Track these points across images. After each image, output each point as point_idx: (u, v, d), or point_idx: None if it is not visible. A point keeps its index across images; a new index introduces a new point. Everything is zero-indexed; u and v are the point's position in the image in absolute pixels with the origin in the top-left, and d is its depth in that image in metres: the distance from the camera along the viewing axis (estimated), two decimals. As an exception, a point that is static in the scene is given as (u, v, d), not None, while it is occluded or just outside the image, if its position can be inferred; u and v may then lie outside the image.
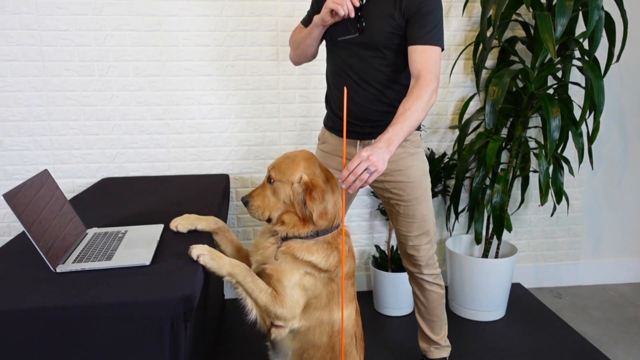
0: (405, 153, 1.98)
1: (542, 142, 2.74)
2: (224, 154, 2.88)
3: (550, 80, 2.90)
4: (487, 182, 2.75)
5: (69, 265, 1.42)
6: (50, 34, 2.64)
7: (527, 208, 3.18)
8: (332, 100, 2.05)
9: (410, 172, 1.99)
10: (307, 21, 2.09)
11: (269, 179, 1.64)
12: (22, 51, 2.64)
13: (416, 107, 1.69)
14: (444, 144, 3.06)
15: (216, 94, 2.80)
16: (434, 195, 2.86)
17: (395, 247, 2.92)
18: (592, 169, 2.97)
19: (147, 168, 2.83)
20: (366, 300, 3.00)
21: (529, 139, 2.84)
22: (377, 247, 3.01)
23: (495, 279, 2.77)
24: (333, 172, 1.76)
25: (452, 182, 2.98)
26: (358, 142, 1.99)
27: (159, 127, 2.80)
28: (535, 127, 2.97)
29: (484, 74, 2.94)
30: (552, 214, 2.86)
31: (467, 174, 2.91)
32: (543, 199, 2.59)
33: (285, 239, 1.63)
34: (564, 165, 2.71)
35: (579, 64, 2.65)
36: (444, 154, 2.96)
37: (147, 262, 1.45)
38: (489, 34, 2.65)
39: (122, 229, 1.74)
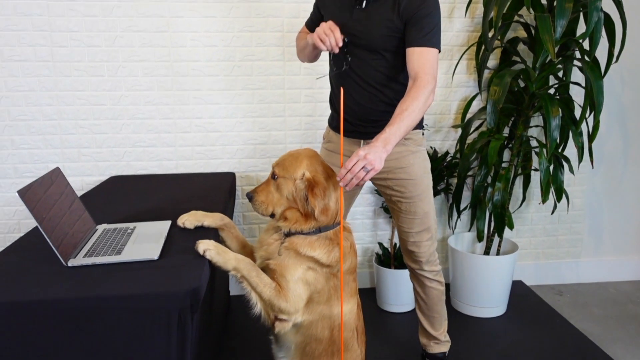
0: (407, 151, 2.02)
1: (543, 141, 2.78)
2: (231, 153, 2.93)
3: (552, 80, 2.93)
4: (489, 180, 2.80)
5: (80, 260, 1.48)
6: (61, 35, 2.70)
7: (528, 206, 3.22)
8: (335, 101, 2.11)
9: (412, 169, 2.04)
10: (310, 23, 2.15)
11: (273, 175, 1.70)
12: (34, 52, 2.70)
13: (413, 108, 1.73)
14: (447, 142, 3.10)
15: (223, 93, 2.86)
16: (437, 193, 2.90)
17: (398, 245, 2.96)
18: (592, 167, 3.01)
19: (155, 166, 2.89)
20: (369, 296, 3.06)
21: (531, 138, 2.87)
22: (380, 244, 3.05)
23: (497, 276, 2.81)
24: (336, 170, 1.81)
25: (454, 181, 3.03)
26: (362, 141, 2.04)
27: (167, 126, 2.86)
28: (537, 126, 3.01)
29: (486, 74, 2.98)
30: (552, 212, 2.90)
31: (469, 173, 2.95)
32: (544, 197, 2.63)
33: (288, 235, 1.68)
34: (564, 163, 2.75)
35: (580, 64, 2.68)
36: (447, 153, 3.01)
37: (155, 257, 1.51)
38: (490, 35, 2.69)
39: (130, 225, 1.80)
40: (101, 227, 1.77)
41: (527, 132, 2.82)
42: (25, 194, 1.41)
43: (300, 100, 2.91)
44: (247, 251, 1.83)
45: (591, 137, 2.72)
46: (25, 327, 1.28)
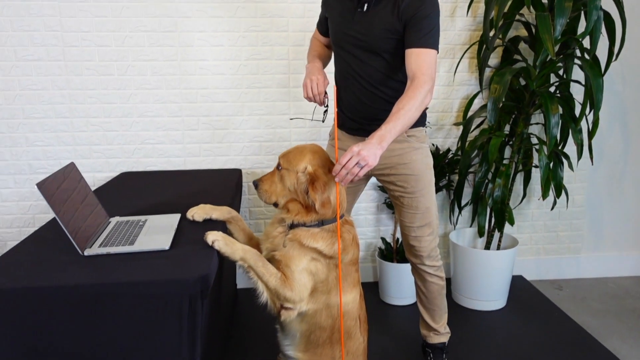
0: (409, 147, 2.08)
1: (544, 138, 2.83)
2: (237, 150, 3.01)
3: (553, 78, 2.99)
4: (490, 176, 2.86)
5: (95, 249, 1.55)
6: (72, 35, 2.78)
7: (529, 202, 3.27)
8: (340, 100, 2.17)
9: (414, 165, 2.09)
10: (319, 24, 2.24)
11: (278, 166, 1.78)
12: (46, 51, 2.78)
13: (409, 107, 1.78)
14: (449, 140, 3.16)
15: (229, 92, 2.93)
16: (439, 189, 2.97)
17: (400, 240, 3.03)
18: (592, 164, 3.06)
19: (164, 163, 2.97)
20: (372, 290, 3.12)
21: (531, 135, 2.93)
22: (383, 239, 3.12)
23: (497, 270, 2.87)
24: None
25: (456, 177, 3.08)
26: (366, 139, 2.10)
27: (175, 123, 2.93)
28: (537, 123, 3.06)
29: (488, 72, 3.04)
30: (552, 208, 2.96)
31: (471, 169, 3.01)
32: (544, 193, 2.69)
33: (292, 227, 1.75)
34: (564, 160, 2.80)
35: (580, 62, 2.74)
36: (448, 150, 3.06)
37: (167, 247, 1.58)
38: (491, 34, 2.75)
39: (142, 217, 1.87)
40: (114, 220, 1.85)
41: (527, 129, 2.87)
42: (42, 186, 1.49)
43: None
44: (254, 243, 1.90)
45: (591, 134, 2.77)
46: (45, 311, 1.35)
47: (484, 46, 2.88)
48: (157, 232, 1.70)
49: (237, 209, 2.59)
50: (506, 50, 3.01)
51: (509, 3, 2.77)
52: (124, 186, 2.53)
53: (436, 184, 2.80)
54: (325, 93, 2.02)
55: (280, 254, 1.73)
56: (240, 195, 2.81)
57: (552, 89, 2.91)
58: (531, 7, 2.68)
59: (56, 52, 2.78)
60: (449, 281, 3.05)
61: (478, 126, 3.08)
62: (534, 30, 2.81)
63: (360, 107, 2.07)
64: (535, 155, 3.03)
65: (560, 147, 2.89)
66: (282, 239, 1.76)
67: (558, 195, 2.79)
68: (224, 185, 2.52)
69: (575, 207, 3.31)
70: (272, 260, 1.74)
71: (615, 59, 2.75)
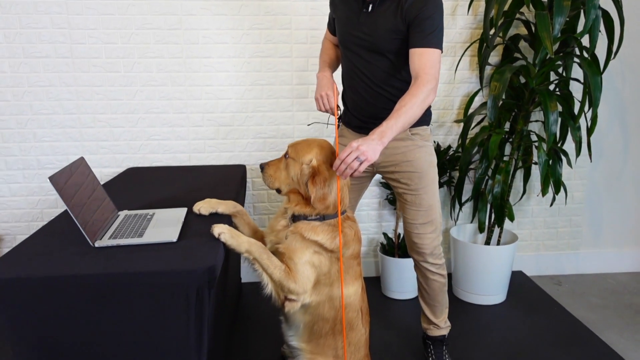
0: (413, 145, 2.12)
1: (543, 136, 2.87)
2: (241, 146, 3.05)
3: (553, 76, 3.03)
4: (490, 173, 2.90)
5: (105, 241, 1.60)
6: (79, 32, 2.82)
7: (529, 199, 3.31)
8: (346, 99, 2.22)
9: (418, 163, 2.13)
10: (329, 25, 2.29)
11: (286, 155, 1.83)
12: (54, 48, 2.83)
13: (411, 104, 1.81)
14: (450, 137, 3.20)
15: (233, 89, 2.98)
16: (440, 186, 2.99)
17: (401, 235, 3.08)
18: (591, 161, 3.10)
19: (169, 159, 3.02)
20: (374, 284, 3.17)
21: (531, 133, 2.97)
22: (385, 234, 3.17)
23: (497, 265, 2.92)
24: None
25: (456, 174, 3.13)
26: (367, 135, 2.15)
27: (180, 120, 2.98)
28: (537, 121, 3.10)
29: (488, 70, 3.08)
30: (551, 204, 3.00)
31: (471, 166, 3.06)
32: (543, 190, 2.74)
33: (295, 220, 1.80)
34: (563, 157, 2.84)
35: (579, 60, 2.78)
36: (449, 147, 3.11)
37: (174, 239, 1.63)
38: (491, 32, 2.79)
39: (149, 211, 1.92)
40: (123, 213, 1.90)
41: (527, 126, 2.91)
42: (54, 180, 1.53)
43: (308, 95, 3.03)
44: (258, 237, 1.95)
45: (589, 132, 2.81)
46: (58, 300, 1.40)
47: (485, 44, 2.92)
48: (164, 225, 1.75)
49: (242, 204, 2.63)
50: (506, 49, 3.05)
51: (509, 2, 2.82)
52: (130, 181, 2.58)
53: (437, 180, 2.84)
54: (338, 106, 2.11)
55: (283, 246, 1.78)
56: (245, 190, 2.85)
57: (551, 87, 2.95)
58: (531, 6, 2.72)
59: (64, 49, 2.83)
60: (449, 276, 3.10)
61: (478, 123, 3.12)
62: (533, 28, 2.85)
63: (365, 105, 2.12)
64: (535, 152, 3.07)
65: (559, 145, 2.93)
66: (285, 232, 1.81)
67: (557, 191, 2.83)
68: (228, 181, 2.57)
69: (574, 203, 3.35)
70: (276, 252, 1.79)
71: (614, 57, 2.79)
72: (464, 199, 3.12)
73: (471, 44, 3.03)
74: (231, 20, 2.89)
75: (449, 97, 3.14)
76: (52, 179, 1.53)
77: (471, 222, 3.27)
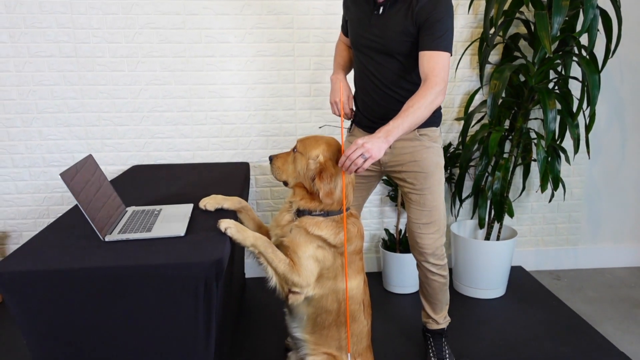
0: (421, 146, 2.15)
1: (542, 133, 2.92)
2: (244, 144, 3.09)
3: (552, 75, 3.07)
4: (490, 170, 2.94)
5: (115, 236, 1.65)
6: (84, 31, 2.86)
7: (528, 195, 3.36)
8: (358, 100, 2.26)
9: (425, 163, 2.15)
10: (342, 27, 2.32)
11: (294, 148, 1.87)
12: (58, 48, 2.86)
13: (419, 105, 1.85)
14: (451, 135, 3.24)
15: (236, 87, 3.02)
16: (441, 183, 3.05)
17: (402, 231, 3.12)
18: (589, 158, 3.15)
19: (173, 157, 3.06)
20: (376, 279, 3.22)
21: (530, 130, 3.01)
22: (386, 230, 3.21)
23: (496, 259, 2.97)
24: None
25: (457, 171, 3.17)
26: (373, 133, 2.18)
27: (184, 118, 3.02)
28: (536, 118, 3.14)
29: (488, 68, 3.12)
30: (550, 200, 3.04)
31: (472, 163, 3.10)
32: (543, 186, 2.78)
33: (299, 214, 1.84)
34: (561, 154, 2.88)
35: (578, 59, 2.82)
36: (450, 144, 3.15)
37: (182, 234, 1.67)
38: (491, 31, 2.83)
39: (157, 207, 1.97)
40: (130, 209, 1.95)
41: (526, 124, 2.95)
42: (65, 177, 1.57)
43: (310, 93, 3.07)
44: (263, 231, 1.99)
45: (587, 129, 2.85)
46: (71, 292, 1.45)
47: (485, 43, 2.96)
48: (172, 221, 1.80)
49: (246, 201, 2.67)
50: (506, 48, 3.09)
51: (509, 1, 2.86)
52: (135, 178, 2.62)
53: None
54: (351, 109, 2.18)
55: (288, 240, 1.82)
56: (248, 187, 2.89)
57: (550, 85, 2.99)
58: (530, 6, 2.76)
59: (68, 48, 2.87)
60: (450, 271, 3.14)
61: (479, 121, 3.16)
62: (533, 28, 2.88)
63: (375, 106, 2.15)
64: (534, 149, 3.12)
65: (558, 142, 2.97)
66: (290, 227, 1.85)
67: (555, 187, 2.87)
68: (232, 178, 2.61)
69: (573, 200, 3.39)
70: (280, 246, 1.83)
71: (612, 56, 2.82)
72: (464, 195, 3.17)
73: (472, 42, 3.07)
74: (234, 19, 2.93)
75: (450, 95, 3.18)
76: (63, 175, 1.57)
77: (471, 218, 3.32)
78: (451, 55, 1.97)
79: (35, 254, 1.54)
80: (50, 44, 2.85)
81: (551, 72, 3.01)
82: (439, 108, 2.17)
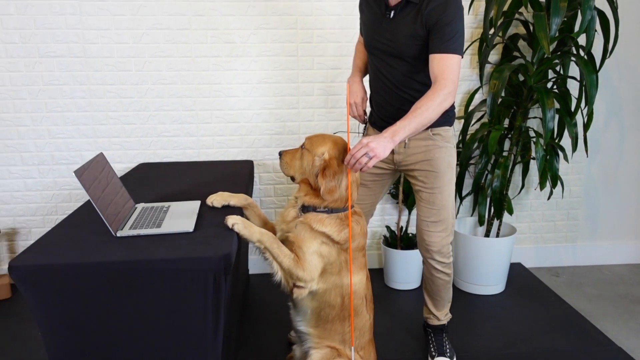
0: (434, 145, 2.19)
1: (541, 132, 2.97)
2: (249, 142, 3.15)
3: (551, 74, 3.12)
4: (489, 168, 3.00)
5: (126, 231, 1.71)
6: (92, 32, 2.92)
7: (528, 193, 3.41)
8: (372, 101, 2.32)
9: (437, 163, 2.19)
10: (361, 29, 2.36)
11: (302, 145, 1.94)
12: (68, 48, 2.92)
13: (427, 107, 1.89)
14: (451, 133, 3.29)
15: (241, 87, 3.07)
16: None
17: (404, 227, 3.18)
18: (587, 156, 3.20)
19: (179, 155, 3.12)
20: (378, 276, 3.28)
21: (529, 129, 3.06)
22: (387, 227, 3.26)
23: (496, 256, 3.02)
24: None
25: (457, 169, 3.22)
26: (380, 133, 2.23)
27: (189, 117, 3.08)
28: (535, 117, 3.20)
29: (488, 68, 3.17)
30: (548, 198, 3.09)
31: (471, 161, 3.15)
32: (541, 184, 2.84)
33: (305, 211, 1.90)
34: (560, 152, 2.94)
35: (576, 59, 2.87)
36: (450, 143, 3.20)
37: (191, 229, 1.73)
38: (491, 32, 2.88)
39: (165, 204, 2.02)
40: (140, 206, 2.01)
41: (525, 123, 3.01)
42: (80, 175, 1.63)
43: (313, 93, 3.12)
44: (269, 228, 2.04)
45: (586, 128, 2.91)
46: (85, 285, 1.51)
47: (484, 43, 3.01)
48: (180, 217, 1.85)
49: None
50: (506, 48, 3.14)
51: (508, 2, 2.91)
52: (143, 176, 2.68)
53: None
54: (364, 111, 2.27)
55: (293, 235, 1.88)
56: (252, 185, 2.95)
57: (549, 85, 3.04)
58: (529, 7, 2.81)
59: (77, 49, 2.93)
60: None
61: (478, 120, 3.22)
62: (531, 28, 2.93)
63: (388, 107, 2.21)
64: (533, 147, 3.16)
65: (557, 140, 3.03)
66: (295, 222, 1.91)
67: (554, 185, 2.92)
68: (237, 176, 2.66)
69: (572, 197, 3.45)
70: (286, 241, 1.89)
71: (609, 56, 2.88)
72: (464, 193, 3.22)
73: (471, 43, 3.12)
74: (239, 20, 2.98)
75: (450, 94, 3.22)
76: (77, 172, 1.63)
77: (471, 215, 3.38)
78: (462, 56, 1.99)
79: (49, 248, 1.60)
80: (60, 44, 2.91)
81: (550, 71, 3.07)
82: (452, 107, 2.21)
